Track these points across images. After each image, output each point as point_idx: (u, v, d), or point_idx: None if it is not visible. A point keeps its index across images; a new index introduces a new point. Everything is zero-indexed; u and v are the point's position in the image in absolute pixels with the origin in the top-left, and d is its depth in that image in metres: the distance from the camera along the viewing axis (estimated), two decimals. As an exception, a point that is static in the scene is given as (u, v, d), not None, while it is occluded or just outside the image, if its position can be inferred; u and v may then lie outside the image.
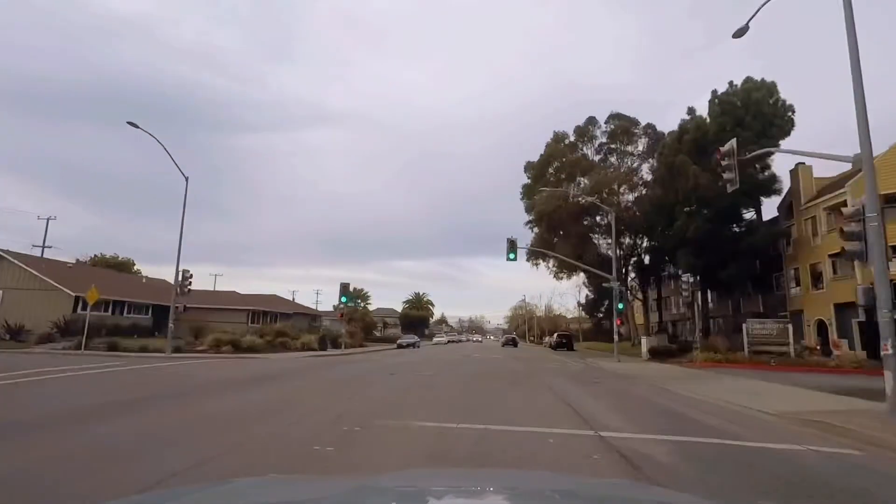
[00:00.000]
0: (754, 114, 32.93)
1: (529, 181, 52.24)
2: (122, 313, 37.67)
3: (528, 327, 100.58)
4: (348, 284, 34.18)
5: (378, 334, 68.72)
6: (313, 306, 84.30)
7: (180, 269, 26.50)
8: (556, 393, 12.83)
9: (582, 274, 58.71)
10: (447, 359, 29.06)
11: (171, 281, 29.42)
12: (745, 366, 23.46)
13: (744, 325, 27.22)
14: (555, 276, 52.40)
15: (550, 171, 50.74)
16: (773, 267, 37.44)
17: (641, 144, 49.36)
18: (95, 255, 57.80)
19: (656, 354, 31.24)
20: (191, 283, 27.29)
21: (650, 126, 50.19)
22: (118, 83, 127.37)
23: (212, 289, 53.19)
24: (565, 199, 42.23)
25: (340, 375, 17.26)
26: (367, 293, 65.14)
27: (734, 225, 36.01)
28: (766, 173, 34.67)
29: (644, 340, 33.34)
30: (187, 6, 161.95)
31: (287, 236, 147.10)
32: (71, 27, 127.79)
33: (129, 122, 23.72)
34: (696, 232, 33.34)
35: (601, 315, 75.84)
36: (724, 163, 13.62)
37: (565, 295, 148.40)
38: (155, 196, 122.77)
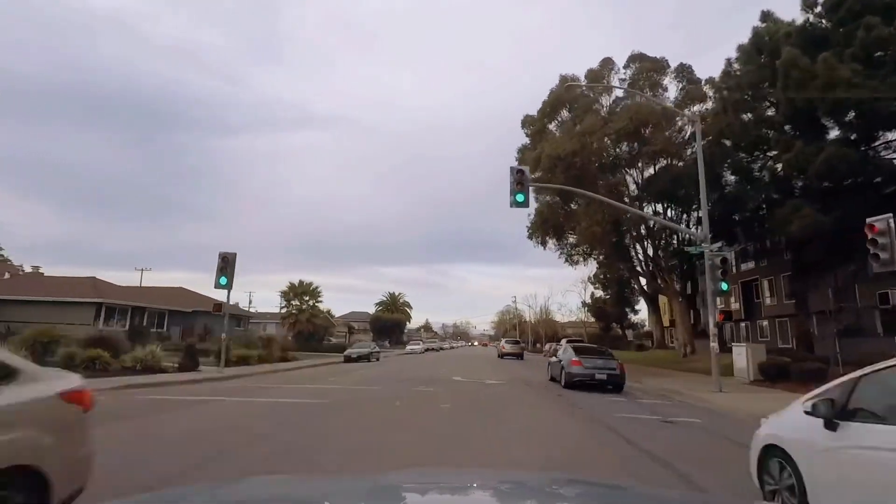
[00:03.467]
0: None
1: (528, 140, 38.41)
2: None
3: (518, 332, 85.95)
4: (232, 255, 19.73)
5: (332, 341, 54.05)
6: (257, 308, 69.48)
7: None
8: None
9: (593, 263, 45.05)
10: (384, 395, 14.68)
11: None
12: None
13: None
14: (567, 260, 38.41)
15: (557, 121, 36.98)
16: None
17: (673, 90, 35.42)
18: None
19: (770, 376, 17.38)
20: None
21: (685, 68, 36.35)
22: (94, 79, 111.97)
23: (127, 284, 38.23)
24: (592, 132, 28.38)
25: None
26: (316, 288, 50.27)
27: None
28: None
29: (743, 351, 19.27)
30: (169, 2, 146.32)
31: (268, 240, 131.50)
32: (48, 21, 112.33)
33: None
34: (825, 165, 19.52)
35: (618, 313, 62.85)
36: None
37: (568, 293, 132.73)
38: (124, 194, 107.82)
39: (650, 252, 35.25)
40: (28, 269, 35.60)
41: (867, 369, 3.56)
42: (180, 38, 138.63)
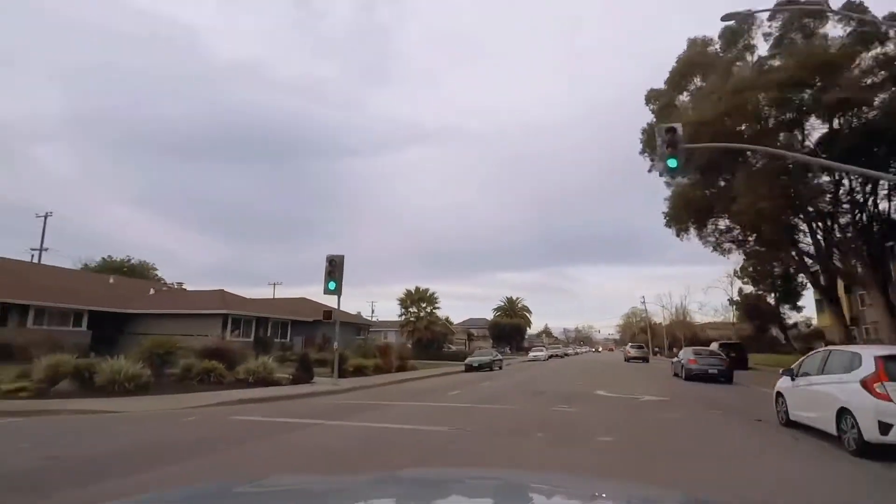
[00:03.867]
0: None
1: (654, 117, 33.32)
2: (45, 322, 25.12)
3: (649, 335, 77.72)
4: (340, 258, 18.28)
5: (452, 348, 52.37)
6: (377, 317, 70.50)
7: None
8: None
9: (739, 256, 38.04)
10: (519, 420, 11.76)
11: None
12: None
13: None
14: (715, 248, 32.62)
15: (688, 91, 31.69)
16: None
17: (838, 35, 27.94)
18: (106, 258, 47.92)
19: None
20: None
21: (854, 5, 28.75)
22: (232, 120, 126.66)
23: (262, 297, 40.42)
24: (745, 89, 23.23)
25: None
26: (432, 294, 48.96)
27: None
28: None
29: None
30: (290, 44, 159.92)
31: (387, 253, 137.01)
32: (195, 73, 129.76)
33: None
34: None
35: (773, 311, 53.10)
36: None
37: (711, 290, 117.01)
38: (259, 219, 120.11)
39: (829, 233, 28.39)
40: (174, 286, 38.58)
41: (804, 356, 9.92)
42: (300, 75, 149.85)
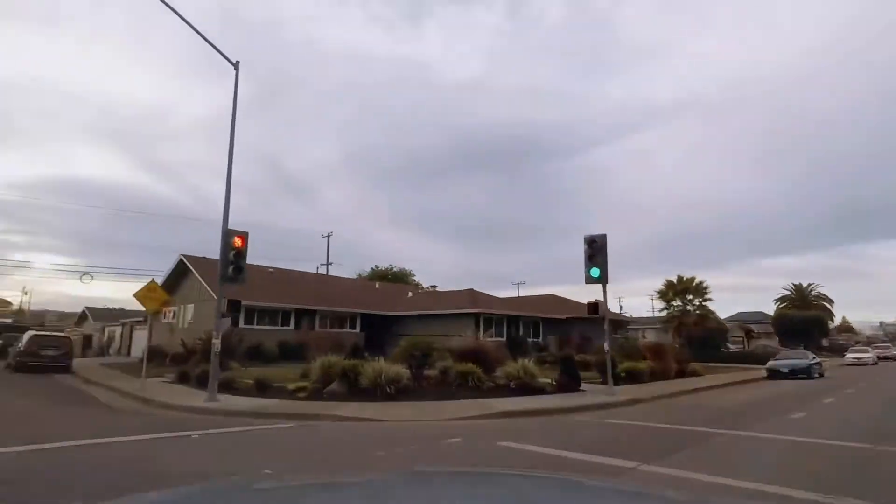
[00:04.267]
0: None
1: None
2: (328, 325, 28.13)
3: None
4: (601, 238, 14.83)
5: (732, 348, 43.24)
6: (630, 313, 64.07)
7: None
8: None
9: None
10: None
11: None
12: None
13: None
14: None
15: None
16: None
17: None
18: (374, 268, 53.88)
19: None
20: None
21: None
22: (469, 136, 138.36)
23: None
24: None
25: None
26: (700, 283, 40.97)
27: None
28: None
29: None
30: (508, 57, 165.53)
31: (629, 246, 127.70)
32: (424, 102, 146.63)
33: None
34: None
35: None
36: None
37: None
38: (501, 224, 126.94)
39: None
40: (428, 289, 40.69)
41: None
42: (523, 80, 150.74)
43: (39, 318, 59.39)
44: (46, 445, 7.15)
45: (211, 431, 8.69)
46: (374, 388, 12.52)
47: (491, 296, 31.37)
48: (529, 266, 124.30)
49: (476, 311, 26.75)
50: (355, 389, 12.88)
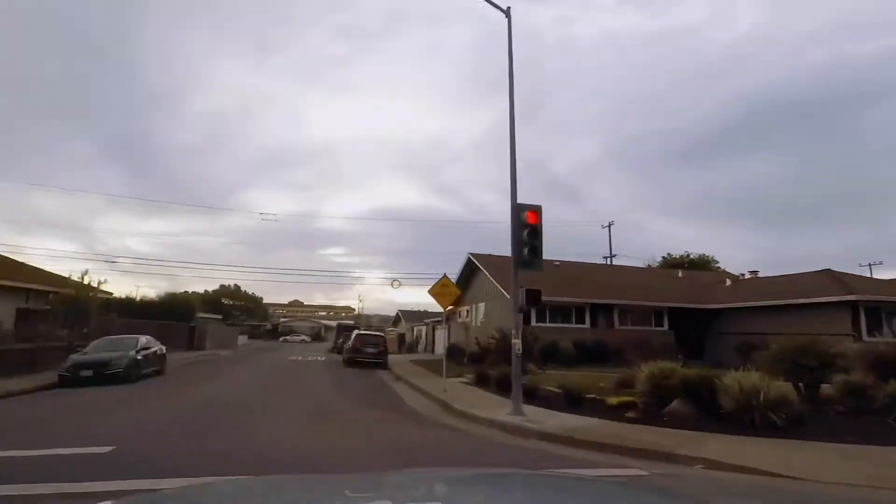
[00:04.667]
0: None
1: None
2: (628, 322, 24.02)
3: None
4: None
5: None
6: None
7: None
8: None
9: None
10: None
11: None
12: None
13: None
14: None
15: None
16: None
17: None
18: (666, 256, 46.95)
19: None
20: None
21: None
22: (749, 105, 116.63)
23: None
24: None
25: None
26: None
27: None
28: None
29: None
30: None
31: None
32: (693, 69, 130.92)
33: None
34: None
35: None
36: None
37: None
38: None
39: None
40: (747, 276, 32.37)
41: None
42: (822, 13, 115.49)
43: (368, 321, 72.25)
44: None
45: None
46: (744, 414, 8.15)
47: (863, 277, 22.01)
48: (860, 244, 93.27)
49: (850, 297, 18.52)
50: (709, 412, 8.74)
